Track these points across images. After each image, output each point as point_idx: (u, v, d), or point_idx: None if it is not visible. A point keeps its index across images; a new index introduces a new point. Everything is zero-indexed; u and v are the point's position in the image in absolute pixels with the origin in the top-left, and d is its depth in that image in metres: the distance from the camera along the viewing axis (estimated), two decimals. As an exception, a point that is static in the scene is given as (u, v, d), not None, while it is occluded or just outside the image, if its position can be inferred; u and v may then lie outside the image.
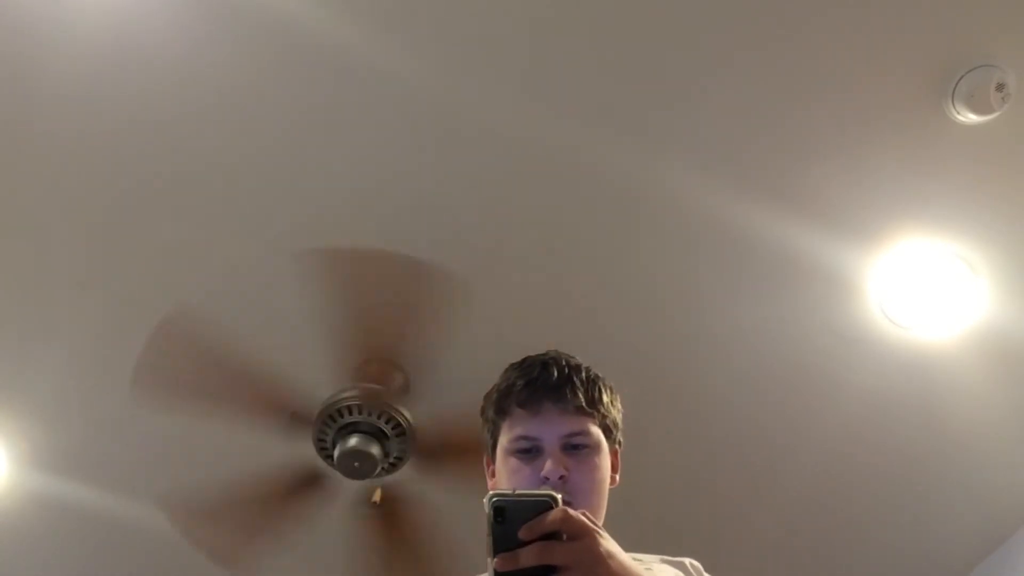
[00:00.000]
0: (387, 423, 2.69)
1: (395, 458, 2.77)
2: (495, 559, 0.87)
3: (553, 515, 0.87)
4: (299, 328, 2.67)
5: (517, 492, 0.91)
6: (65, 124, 2.32)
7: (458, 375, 2.64)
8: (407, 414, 2.72)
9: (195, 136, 2.36)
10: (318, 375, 2.70)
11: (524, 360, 1.34)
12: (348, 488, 2.86)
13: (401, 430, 2.71)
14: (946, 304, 2.60)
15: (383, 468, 2.74)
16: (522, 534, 0.87)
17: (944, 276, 2.54)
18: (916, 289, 2.56)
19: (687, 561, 1.31)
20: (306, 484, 2.81)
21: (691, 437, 3.00)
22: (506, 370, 1.34)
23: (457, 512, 2.59)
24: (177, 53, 2.19)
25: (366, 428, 2.69)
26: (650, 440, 2.86)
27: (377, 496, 2.84)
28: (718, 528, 3.19)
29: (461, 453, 2.65)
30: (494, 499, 0.88)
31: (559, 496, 0.90)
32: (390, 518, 2.86)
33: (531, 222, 2.54)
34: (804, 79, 2.23)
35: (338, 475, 2.78)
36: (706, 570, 1.32)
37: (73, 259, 2.61)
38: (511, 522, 0.87)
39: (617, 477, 1.32)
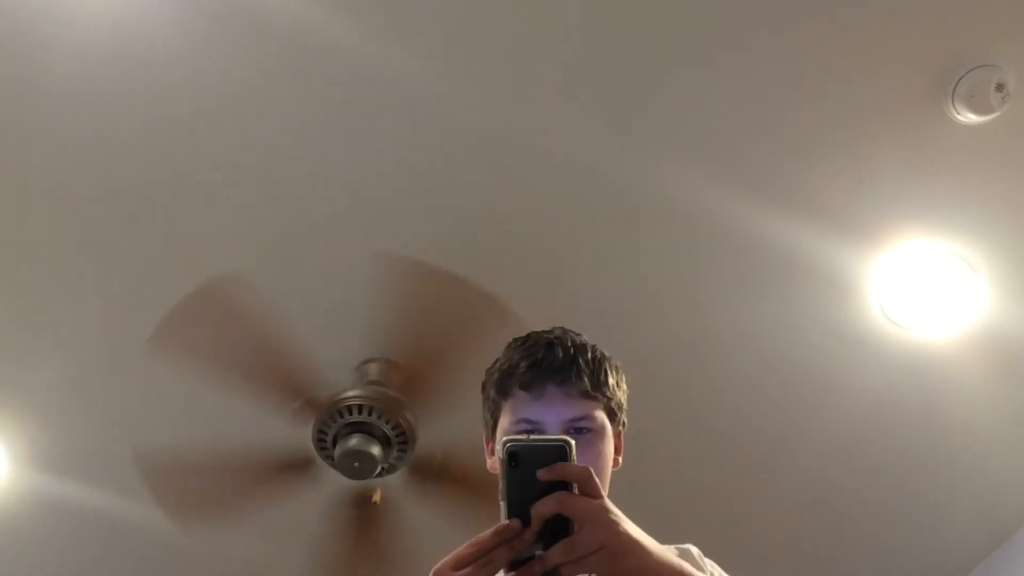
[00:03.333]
0: (393, 429, 2.70)
1: (389, 465, 2.77)
2: (506, 502, 0.89)
3: (577, 469, 0.89)
4: (331, 320, 2.68)
5: (532, 437, 0.93)
6: (65, 124, 2.32)
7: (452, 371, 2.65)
8: (415, 426, 2.72)
9: (196, 136, 2.36)
10: (339, 369, 2.71)
11: (528, 337, 1.29)
12: (332, 481, 2.85)
13: (404, 439, 2.72)
14: (946, 304, 2.60)
15: (385, 467, 2.75)
16: (541, 474, 0.88)
17: (944, 276, 2.54)
18: (916, 289, 2.56)
19: (692, 550, 1.30)
20: (291, 468, 2.80)
21: (691, 437, 3.00)
22: (509, 346, 1.30)
23: (433, 531, 2.57)
24: (178, 54, 2.19)
25: (371, 430, 2.69)
26: (650, 440, 2.86)
27: (377, 496, 2.85)
28: (718, 528, 3.18)
29: (454, 481, 2.67)
30: (508, 444, 0.90)
31: (572, 441, 0.91)
32: (366, 518, 2.86)
33: (531, 222, 2.54)
34: (804, 79, 2.23)
35: (323, 466, 2.78)
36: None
37: (73, 259, 2.61)
38: (525, 467, 0.89)
39: (620, 459, 1.30)
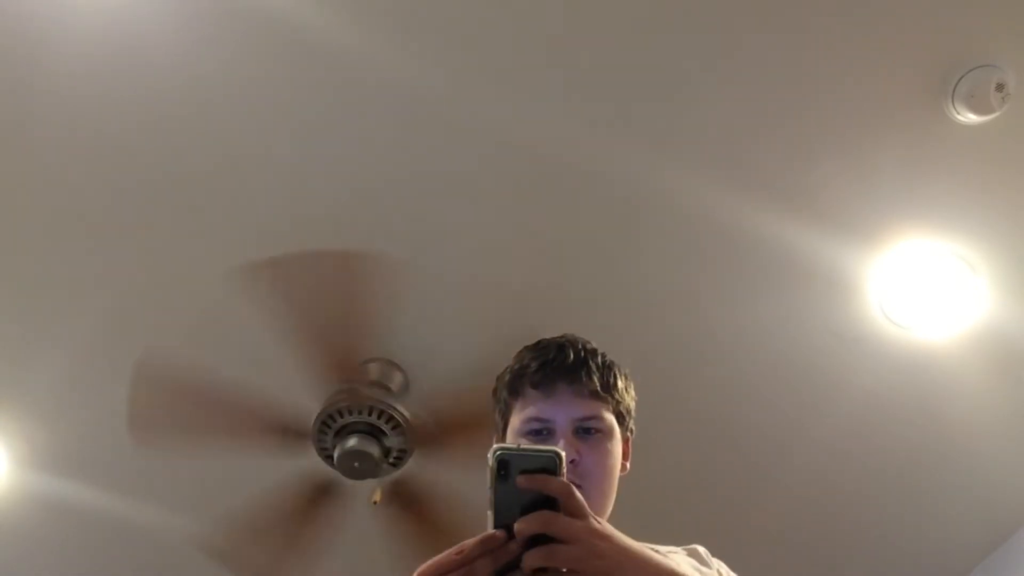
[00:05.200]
0: (380, 418, 2.69)
1: (398, 453, 2.77)
2: (493, 511, 0.87)
3: (558, 485, 0.87)
4: (272, 342, 2.64)
5: (522, 446, 0.91)
6: (65, 125, 2.32)
7: (452, 370, 2.65)
8: (402, 408, 2.71)
9: (196, 137, 2.36)
10: (303, 386, 2.69)
11: (539, 342, 1.32)
12: (363, 489, 2.86)
13: (397, 424, 2.71)
14: (946, 304, 2.60)
15: (387, 464, 2.74)
16: (520, 481, 0.86)
17: (944, 276, 2.54)
18: (916, 289, 2.56)
19: (700, 550, 1.31)
20: (321, 492, 2.81)
21: (690, 436, 3.00)
22: (520, 351, 1.32)
23: (472, 488, 2.58)
24: (178, 54, 2.19)
25: (362, 428, 2.69)
26: (650, 439, 2.85)
27: (377, 496, 2.85)
28: (717, 528, 3.18)
29: (461, 431, 2.64)
30: (498, 452, 0.88)
31: (563, 453, 0.89)
32: (410, 510, 2.86)
33: (530, 222, 2.54)
34: (804, 80, 2.23)
35: (310, 445, 2.78)
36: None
37: (73, 260, 2.61)
38: (514, 476, 0.87)
39: (628, 465, 1.31)
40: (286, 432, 2.72)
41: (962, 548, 3.28)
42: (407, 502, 2.83)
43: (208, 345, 2.75)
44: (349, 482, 2.81)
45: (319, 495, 2.81)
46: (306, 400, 2.71)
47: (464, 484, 2.69)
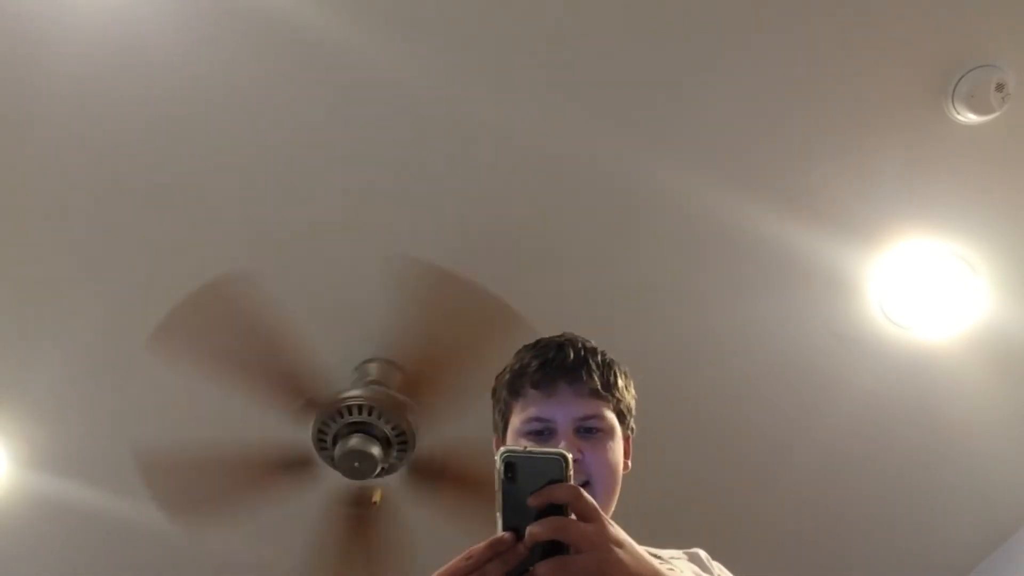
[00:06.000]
0: (393, 430, 2.70)
1: (388, 466, 2.77)
2: (501, 514, 0.87)
3: (565, 491, 0.86)
4: (332, 320, 2.68)
5: (528, 449, 0.90)
6: (66, 124, 2.32)
7: (452, 368, 2.64)
8: (416, 428, 2.72)
9: (196, 136, 2.36)
10: (340, 368, 2.71)
11: (538, 341, 1.31)
12: (328, 479, 2.85)
13: (404, 440, 2.72)
14: (946, 304, 2.60)
15: (387, 465, 2.75)
16: (531, 501, 0.86)
17: (944, 276, 2.54)
18: (916, 289, 2.56)
19: (701, 554, 1.31)
20: (291, 467, 2.80)
21: (691, 436, 3.00)
22: (519, 351, 1.31)
23: (430, 532, 2.58)
24: (179, 54, 2.19)
25: (372, 431, 2.69)
26: (650, 439, 2.85)
27: (377, 496, 2.85)
28: (718, 528, 3.18)
29: (453, 482, 2.66)
30: (505, 455, 0.87)
31: (570, 455, 0.88)
32: (362, 518, 2.86)
33: (531, 222, 2.54)
34: (804, 80, 2.23)
35: (323, 466, 2.77)
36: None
37: (73, 259, 2.61)
38: (521, 479, 0.87)
39: (629, 463, 1.30)
40: (291, 463, 2.74)
41: (962, 548, 3.28)
42: (426, 482, 2.82)
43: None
44: (322, 469, 2.80)
45: (285, 466, 2.79)
46: (296, 426, 2.72)
47: (432, 516, 2.73)
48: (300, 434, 2.75)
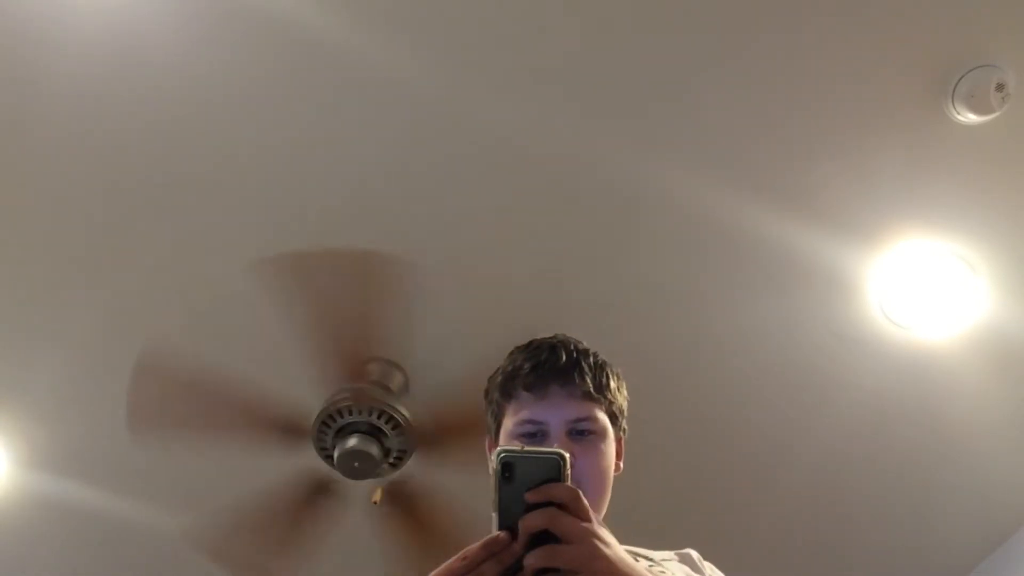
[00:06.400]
0: (380, 418, 2.69)
1: (398, 454, 2.77)
2: (497, 513, 0.88)
3: (564, 491, 0.88)
4: (279, 338, 2.65)
5: (525, 449, 0.91)
6: (65, 125, 2.32)
7: (452, 370, 2.64)
8: (402, 408, 2.71)
9: (196, 137, 2.36)
10: (307, 384, 2.69)
11: (531, 343, 1.31)
12: (362, 489, 2.86)
13: (397, 424, 2.71)
14: (946, 304, 2.60)
15: (387, 465, 2.74)
16: (529, 497, 0.87)
17: (944, 276, 2.54)
18: (916, 289, 2.56)
19: (693, 554, 1.31)
20: (318, 491, 2.81)
21: (691, 437, 3.00)
22: (512, 352, 1.32)
23: (471, 491, 2.58)
24: (179, 54, 2.19)
25: (363, 428, 2.69)
26: (650, 439, 2.85)
27: (378, 496, 2.85)
28: (718, 528, 3.19)
29: (461, 435, 2.64)
30: (502, 454, 0.89)
31: (567, 455, 0.90)
32: (408, 512, 2.86)
33: (531, 223, 2.54)
34: (804, 80, 2.23)
35: (309, 446, 2.78)
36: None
37: (73, 259, 2.61)
38: (518, 479, 0.88)
39: (621, 464, 1.30)
40: (286, 429, 2.72)
41: (962, 548, 3.28)
42: (405, 504, 2.84)
43: (209, 341, 2.75)
44: (348, 481, 2.81)
45: (316, 494, 2.81)
46: (308, 398, 2.71)
47: (463, 487, 2.69)
48: (311, 460, 2.77)
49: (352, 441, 2.70)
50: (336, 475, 2.79)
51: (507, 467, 0.88)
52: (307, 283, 2.48)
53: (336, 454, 2.72)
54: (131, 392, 2.65)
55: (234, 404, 2.60)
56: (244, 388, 2.61)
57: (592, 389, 1.25)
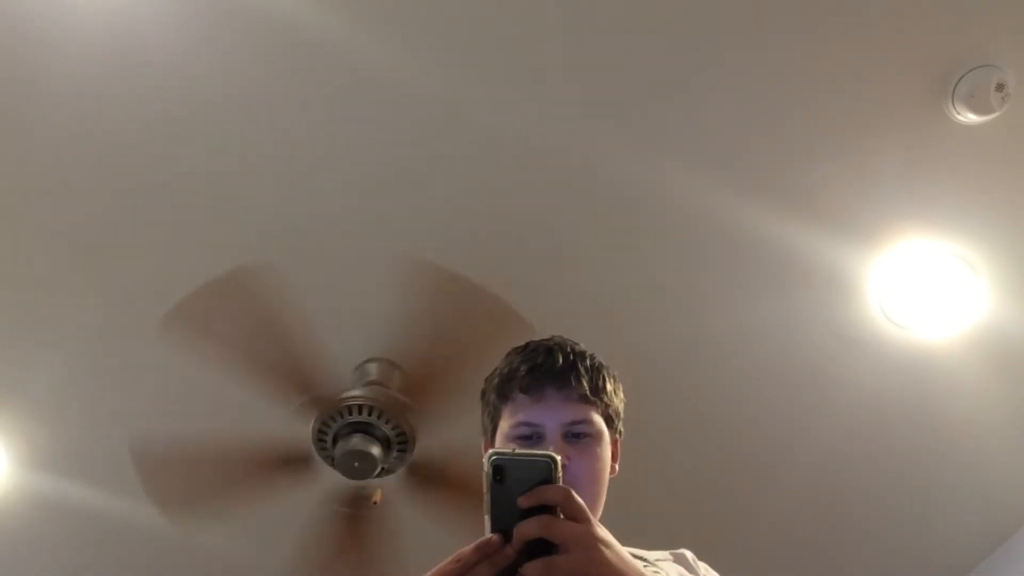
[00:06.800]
0: (393, 431, 2.69)
1: (398, 453, 2.77)
2: (490, 516, 0.87)
3: (557, 491, 0.87)
4: (333, 319, 2.67)
5: (517, 452, 0.90)
6: (65, 125, 2.32)
7: (452, 368, 2.64)
8: (416, 430, 2.71)
9: (196, 136, 2.36)
10: (341, 368, 2.70)
11: (528, 344, 1.30)
12: (326, 479, 2.85)
13: (404, 441, 2.71)
14: (946, 304, 2.60)
15: (387, 465, 2.75)
16: (522, 502, 0.86)
17: (944, 276, 2.54)
18: (916, 289, 2.56)
19: (687, 554, 1.31)
20: (288, 464, 2.79)
21: (691, 437, 3.00)
22: (509, 354, 1.31)
23: (425, 536, 2.57)
24: (179, 53, 2.19)
25: (373, 431, 2.69)
26: (650, 440, 2.86)
27: (378, 496, 2.85)
28: (717, 528, 3.19)
29: (451, 487, 2.66)
30: (493, 457, 0.87)
31: (559, 457, 0.89)
32: (357, 518, 2.85)
33: (531, 223, 2.54)
34: (804, 80, 2.23)
35: (321, 465, 2.77)
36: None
37: (73, 259, 2.61)
38: (509, 482, 0.87)
39: (617, 467, 1.30)
40: (289, 461, 2.73)
41: (962, 548, 3.28)
42: (433, 477, 2.81)
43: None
44: (319, 468, 2.80)
45: (282, 463, 2.79)
46: (295, 424, 2.71)
47: (428, 519, 2.72)
48: (300, 432, 2.75)
49: (352, 441, 2.69)
50: (312, 457, 2.78)
51: (498, 470, 0.87)
52: (206, 329, 2.49)
53: (336, 455, 2.72)
54: (147, 487, 2.68)
55: (235, 456, 2.62)
56: (239, 439, 2.63)
57: (588, 392, 1.24)
